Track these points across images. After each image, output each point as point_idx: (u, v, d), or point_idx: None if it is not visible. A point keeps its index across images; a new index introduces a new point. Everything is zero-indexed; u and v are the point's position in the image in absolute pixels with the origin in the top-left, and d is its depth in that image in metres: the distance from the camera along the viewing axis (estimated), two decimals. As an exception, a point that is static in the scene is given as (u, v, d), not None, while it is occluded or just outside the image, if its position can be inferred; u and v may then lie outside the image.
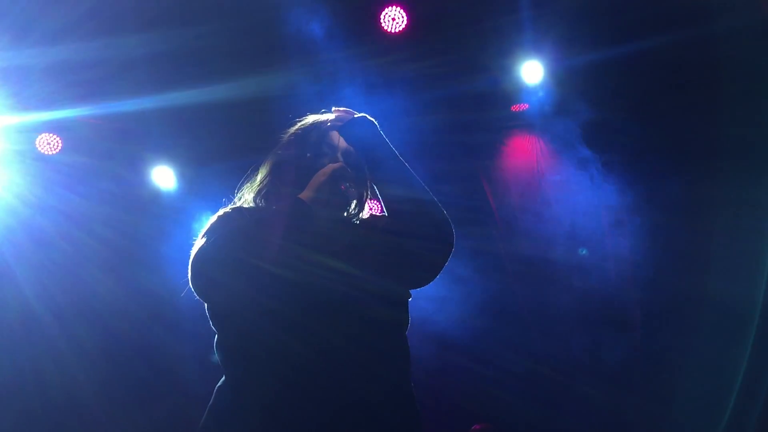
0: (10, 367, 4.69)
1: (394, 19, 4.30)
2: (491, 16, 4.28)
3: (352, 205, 2.11)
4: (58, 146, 4.64)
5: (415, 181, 2.03)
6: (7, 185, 4.57)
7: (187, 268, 1.89)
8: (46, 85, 4.21)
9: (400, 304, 2.03)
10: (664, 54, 4.23)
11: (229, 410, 1.87)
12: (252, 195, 2.13)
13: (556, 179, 5.05)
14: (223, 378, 1.95)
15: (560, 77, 4.66)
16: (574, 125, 4.88)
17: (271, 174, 2.13)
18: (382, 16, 4.29)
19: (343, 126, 2.08)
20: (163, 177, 5.11)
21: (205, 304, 1.95)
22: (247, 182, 2.18)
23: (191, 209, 5.01)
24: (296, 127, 2.18)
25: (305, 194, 1.95)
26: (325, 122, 2.13)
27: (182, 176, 5.13)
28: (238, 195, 2.19)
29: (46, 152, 4.62)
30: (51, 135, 4.62)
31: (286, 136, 2.18)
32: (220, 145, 4.76)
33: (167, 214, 5.09)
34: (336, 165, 2.02)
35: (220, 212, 2.02)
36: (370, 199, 2.17)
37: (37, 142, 4.59)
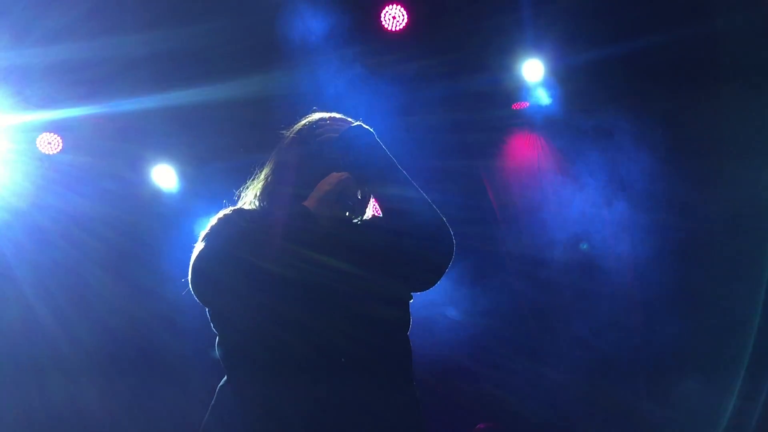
0: (11, 367, 4.69)
1: (394, 18, 4.30)
2: (492, 14, 4.28)
3: (355, 210, 2.10)
4: (58, 146, 4.64)
5: (412, 189, 2.02)
6: (7, 185, 4.57)
7: (188, 271, 1.88)
8: (46, 84, 4.21)
9: (401, 305, 2.03)
10: (665, 52, 4.22)
11: (231, 410, 1.87)
12: (254, 195, 2.13)
13: (557, 177, 5.05)
14: (225, 378, 1.95)
15: (561, 75, 4.66)
16: (575, 123, 4.88)
17: (272, 174, 2.12)
18: (382, 15, 4.29)
19: (340, 137, 2.06)
20: (164, 176, 5.10)
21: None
22: (251, 182, 2.17)
23: (192, 208, 4.99)
24: (297, 126, 2.18)
25: (309, 202, 1.95)
26: (323, 130, 2.10)
27: (183, 175, 5.13)
28: (242, 195, 2.18)
29: (46, 152, 4.62)
30: (52, 134, 4.61)
31: (287, 136, 2.18)
32: (221, 145, 4.76)
33: (168, 214, 5.09)
34: (342, 176, 2.01)
35: (220, 214, 2.00)
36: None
37: (37, 142, 4.59)
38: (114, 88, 4.31)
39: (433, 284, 2.06)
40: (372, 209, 2.19)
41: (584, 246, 4.89)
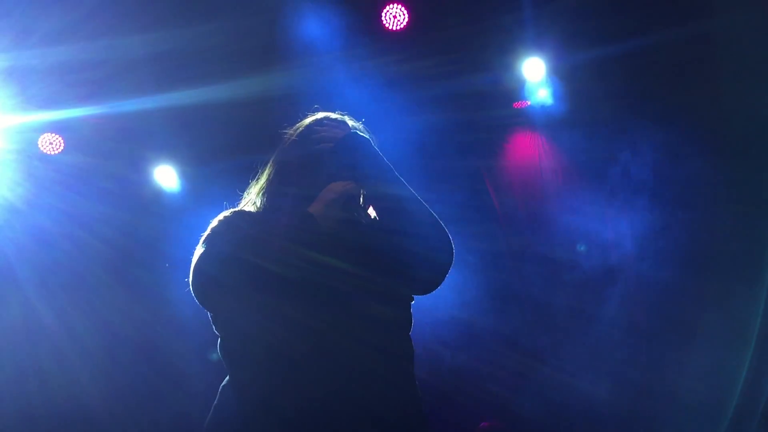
0: (12, 367, 4.70)
1: (395, 17, 4.30)
2: (493, 13, 4.28)
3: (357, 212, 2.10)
4: (60, 146, 4.65)
5: (409, 194, 2.02)
6: (9, 185, 4.58)
7: (189, 271, 1.88)
8: (48, 85, 4.22)
9: (403, 304, 2.03)
10: (666, 50, 4.22)
11: (234, 410, 1.88)
12: (255, 195, 2.13)
13: (558, 176, 5.05)
14: (228, 378, 1.95)
15: (562, 74, 4.66)
16: (576, 122, 4.87)
17: (274, 174, 2.12)
18: (383, 14, 4.29)
19: (335, 147, 2.06)
20: (165, 176, 5.11)
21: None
22: (253, 181, 2.17)
23: (193, 208, 5.00)
24: (299, 126, 2.17)
25: (314, 208, 1.95)
26: (320, 136, 2.09)
27: (184, 175, 5.14)
28: (245, 195, 2.18)
29: (48, 152, 4.63)
30: (53, 135, 4.63)
31: (288, 136, 2.17)
32: (222, 145, 4.76)
33: (169, 214, 5.09)
34: (347, 185, 2.01)
35: (221, 216, 2.00)
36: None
37: (39, 142, 4.60)
38: (115, 88, 4.32)
39: (436, 286, 2.05)
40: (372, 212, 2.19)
41: (582, 248, 4.89)
